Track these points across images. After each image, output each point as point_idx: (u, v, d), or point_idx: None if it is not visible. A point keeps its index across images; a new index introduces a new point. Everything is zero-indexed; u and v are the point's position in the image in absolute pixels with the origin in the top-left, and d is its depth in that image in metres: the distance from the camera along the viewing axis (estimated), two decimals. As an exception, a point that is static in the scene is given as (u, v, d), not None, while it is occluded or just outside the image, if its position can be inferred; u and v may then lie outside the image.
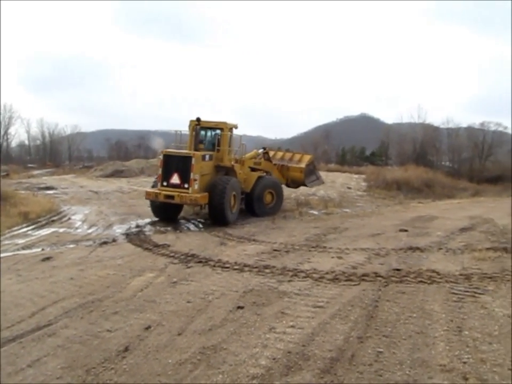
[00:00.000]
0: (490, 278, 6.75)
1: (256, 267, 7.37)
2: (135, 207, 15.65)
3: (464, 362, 3.87)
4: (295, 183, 17.46)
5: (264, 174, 15.52)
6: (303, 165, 16.89)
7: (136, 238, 10.41)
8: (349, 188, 25.20)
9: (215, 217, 12.60)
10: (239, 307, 5.35)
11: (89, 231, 11.57)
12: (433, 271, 7.10)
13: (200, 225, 12.63)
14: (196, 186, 12.02)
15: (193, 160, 12.01)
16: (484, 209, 17.81)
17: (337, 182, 21.53)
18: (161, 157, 12.69)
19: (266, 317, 5.02)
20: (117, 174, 30.72)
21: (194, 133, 13.37)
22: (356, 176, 32.96)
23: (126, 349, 4.24)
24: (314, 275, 6.88)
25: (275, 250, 8.81)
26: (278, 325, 4.78)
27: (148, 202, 13.13)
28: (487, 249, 8.95)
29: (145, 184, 23.64)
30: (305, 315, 5.07)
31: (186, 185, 12.03)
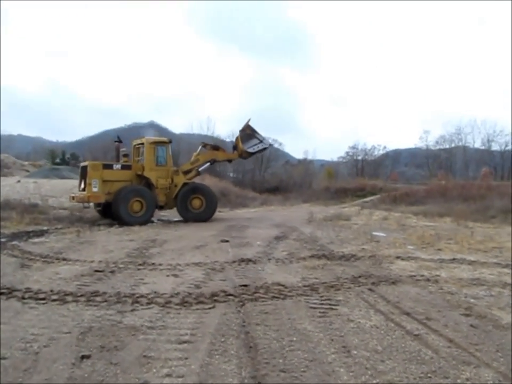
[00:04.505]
0: (332, 287, 6.79)
1: (82, 295, 5.87)
2: None
3: (377, 390, 3.50)
4: (246, 153, 18.19)
5: (193, 179, 17.49)
6: (238, 134, 17.76)
7: None
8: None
9: (114, 216, 15.23)
10: (83, 356, 3.95)
11: None
12: (278, 284, 6.83)
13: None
14: (96, 189, 14.78)
15: (88, 168, 15.02)
16: (281, 217, 19.15)
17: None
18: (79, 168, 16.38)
19: (127, 367, 3.76)
20: None
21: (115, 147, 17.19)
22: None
23: None
24: (158, 299, 5.82)
25: (97, 271, 7.33)
26: (149, 376, 3.60)
27: None
28: (310, 257, 9.27)
29: None
30: (175, 356, 4.02)
31: (85, 188, 14.93)
